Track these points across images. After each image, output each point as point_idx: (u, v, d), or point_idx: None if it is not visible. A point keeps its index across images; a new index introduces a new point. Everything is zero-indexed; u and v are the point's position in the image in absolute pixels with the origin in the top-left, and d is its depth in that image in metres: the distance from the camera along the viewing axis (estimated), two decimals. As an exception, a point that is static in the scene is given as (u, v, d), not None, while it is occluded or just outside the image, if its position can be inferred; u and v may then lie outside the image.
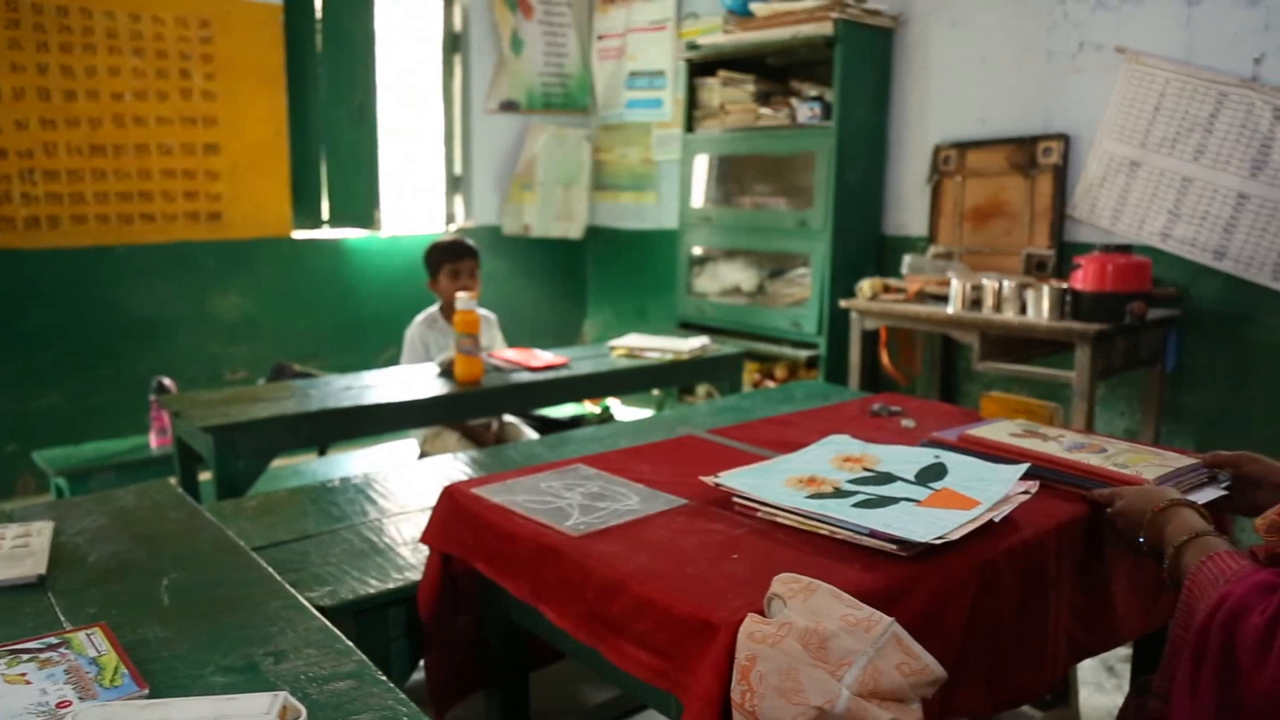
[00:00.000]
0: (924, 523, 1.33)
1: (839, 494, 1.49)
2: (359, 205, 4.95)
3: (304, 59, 4.71)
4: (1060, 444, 1.75)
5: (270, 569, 1.34)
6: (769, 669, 1.00)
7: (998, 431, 1.83)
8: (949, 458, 1.66)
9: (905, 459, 1.67)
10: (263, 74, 4.58)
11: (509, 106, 5.49)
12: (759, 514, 1.47)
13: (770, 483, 1.55)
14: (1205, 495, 1.56)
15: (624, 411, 4.93)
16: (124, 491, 1.70)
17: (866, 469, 1.62)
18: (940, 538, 1.29)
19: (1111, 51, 3.57)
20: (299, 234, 4.82)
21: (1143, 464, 1.62)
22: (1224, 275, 3.36)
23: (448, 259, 3.54)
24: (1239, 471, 1.60)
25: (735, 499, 1.52)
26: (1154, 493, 1.42)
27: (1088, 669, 2.74)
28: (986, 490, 1.47)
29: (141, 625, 1.15)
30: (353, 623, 1.63)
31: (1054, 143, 3.74)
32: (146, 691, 0.99)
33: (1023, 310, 3.29)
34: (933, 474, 1.58)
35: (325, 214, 4.89)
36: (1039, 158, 3.79)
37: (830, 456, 1.71)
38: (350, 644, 1.13)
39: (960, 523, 1.34)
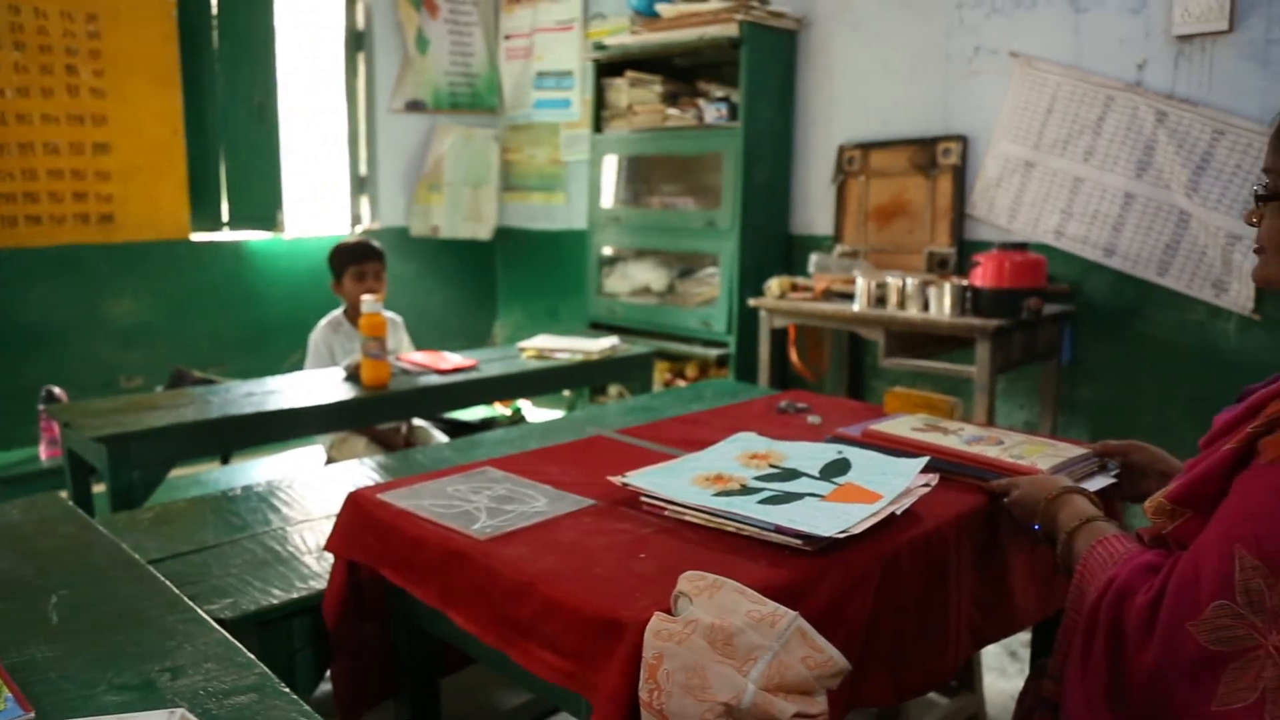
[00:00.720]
0: (828, 517, 1.35)
1: (745, 491, 1.51)
2: (261, 206, 4.82)
3: (200, 55, 4.57)
4: (960, 437, 1.80)
5: (167, 582, 1.30)
6: (676, 667, 1.01)
7: (900, 426, 1.88)
8: (852, 453, 1.69)
9: (810, 455, 1.70)
10: (156, 71, 4.43)
11: (415, 106, 5.42)
12: (666, 513, 1.48)
13: (677, 481, 1.56)
14: (1096, 483, 1.62)
15: (535, 413, 4.90)
16: (9, 506, 1.63)
17: (772, 465, 1.64)
18: (844, 531, 1.31)
19: (1006, 56, 3.69)
20: (198, 236, 4.68)
21: (1037, 455, 1.68)
22: (1113, 272, 3.49)
23: (352, 261, 3.47)
24: (1127, 460, 1.67)
25: (643, 498, 1.52)
26: (1047, 481, 1.47)
27: (991, 655, 2.81)
28: (888, 484, 1.50)
29: (28, 646, 1.11)
30: (255, 634, 1.58)
31: (953, 143, 3.85)
32: (32, 715, 0.95)
33: (925, 307, 3.37)
34: (836, 469, 1.61)
35: (225, 215, 4.75)
36: (939, 158, 3.89)
37: (736, 454, 1.72)
38: (251, 656, 1.10)
39: (863, 516, 1.36)
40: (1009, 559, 1.62)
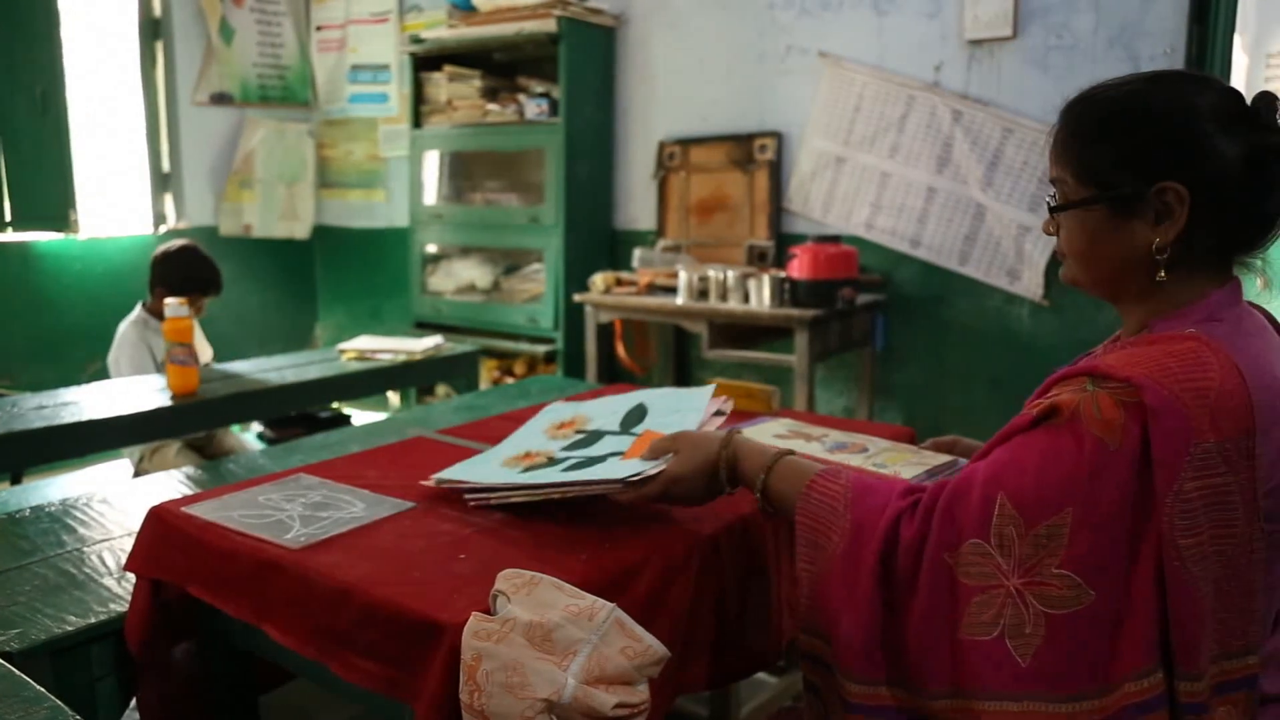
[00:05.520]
0: (627, 470, 1.38)
1: (551, 463, 1.53)
2: (49, 205, 4.47)
3: (-30, 41, 4.20)
4: (823, 444, 1.74)
5: (-61, 615, 1.19)
6: (495, 666, 1.00)
7: (762, 433, 1.80)
8: (649, 397, 1.72)
9: (611, 410, 1.71)
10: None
11: (221, 99, 5.16)
12: (491, 502, 1.47)
13: (486, 468, 1.56)
14: None
15: (359, 416, 4.77)
16: None
17: (578, 431, 1.66)
18: (637, 475, 1.34)
19: (815, 56, 3.82)
20: (-24, 238, 4.32)
21: (901, 463, 1.63)
22: (920, 262, 3.68)
23: (202, 292, 3.27)
24: (952, 452, 1.73)
25: (463, 493, 1.50)
26: (703, 442, 1.36)
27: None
28: (682, 421, 1.54)
29: None
30: (48, 665, 1.47)
31: (768, 140, 3.96)
32: None
33: (746, 299, 3.46)
34: (635, 418, 1.64)
35: (7, 215, 4.38)
36: (755, 154, 4.00)
37: (544, 428, 1.73)
38: (41, 689, 1.01)
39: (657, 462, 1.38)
40: (825, 539, 1.68)
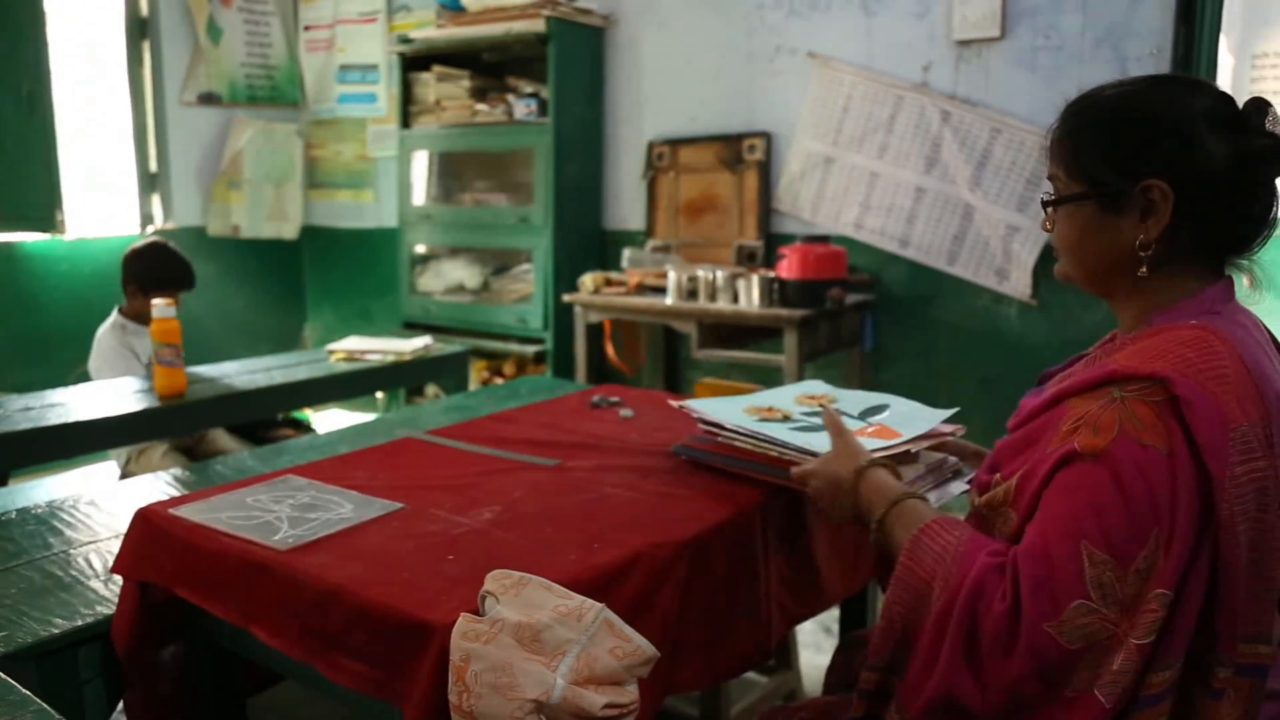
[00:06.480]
0: (807, 445, 1.47)
1: (785, 420, 1.62)
2: (35, 205, 4.45)
3: (-44, 40, 4.18)
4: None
5: (-77, 619, 1.18)
6: (483, 667, 1.00)
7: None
8: (894, 400, 1.77)
9: (857, 401, 1.78)
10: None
11: (209, 99, 5.14)
12: (715, 436, 1.61)
13: (730, 408, 1.68)
14: (956, 487, 1.59)
15: (348, 417, 4.76)
16: None
17: (821, 405, 1.72)
18: (807, 449, 1.46)
19: (804, 56, 3.83)
20: (-39, 238, 4.29)
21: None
22: (908, 262, 3.69)
23: (174, 287, 3.26)
24: (941, 450, 1.72)
25: (698, 423, 1.65)
26: (844, 459, 1.37)
27: (807, 631, 2.92)
28: (912, 426, 1.57)
29: None
30: (34, 668, 1.46)
31: (757, 140, 3.97)
32: None
33: (735, 299, 3.47)
34: (874, 411, 1.70)
35: (-7, 215, 4.37)
36: (744, 154, 4.00)
37: (795, 395, 1.82)
38: (27, 693, 1.01)
39: (874, 448, 1.42)
40: (813, 539, 1.68)
